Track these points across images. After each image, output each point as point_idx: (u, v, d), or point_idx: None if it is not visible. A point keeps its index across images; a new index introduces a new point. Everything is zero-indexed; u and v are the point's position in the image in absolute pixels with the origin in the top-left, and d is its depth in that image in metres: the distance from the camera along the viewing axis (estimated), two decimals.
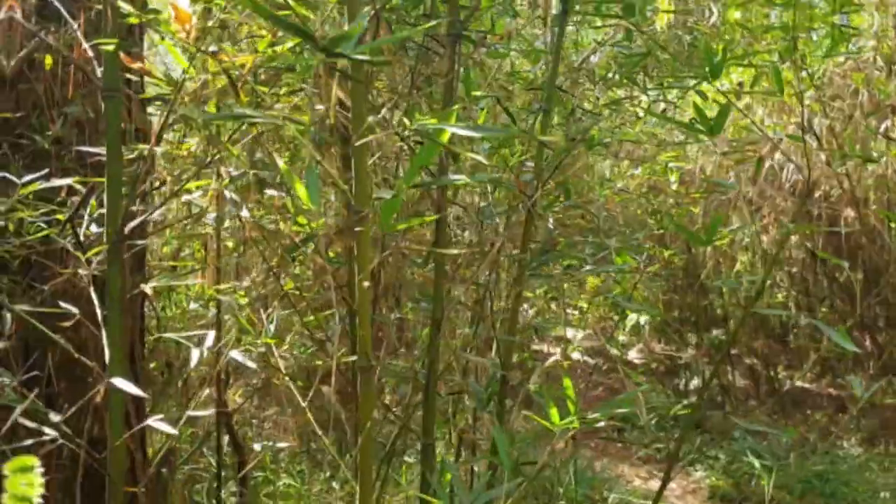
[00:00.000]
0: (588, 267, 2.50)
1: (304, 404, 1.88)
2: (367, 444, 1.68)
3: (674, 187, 6.37)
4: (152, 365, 4.43)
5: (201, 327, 4.90)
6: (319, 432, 1.86)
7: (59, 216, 2.62)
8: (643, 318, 8.95)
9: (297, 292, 2.54)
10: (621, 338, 9.20)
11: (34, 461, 0.87)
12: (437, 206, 2.18)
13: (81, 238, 2.72)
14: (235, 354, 2.10)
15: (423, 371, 2.52)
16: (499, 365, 2.45)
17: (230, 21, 1.92)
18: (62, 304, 2.72)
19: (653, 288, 7.57)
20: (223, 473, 4.60)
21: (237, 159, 2.04)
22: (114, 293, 2.03)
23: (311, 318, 2.52)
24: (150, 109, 3.70)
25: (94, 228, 2.82)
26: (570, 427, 1.64)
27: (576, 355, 6.96)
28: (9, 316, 2.87)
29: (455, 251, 2.32)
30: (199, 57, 1.92)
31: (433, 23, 2.05)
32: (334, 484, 5.91)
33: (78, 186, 2.77)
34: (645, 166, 6.09)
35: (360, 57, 1.15)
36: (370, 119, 1.56)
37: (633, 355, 9.04)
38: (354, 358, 1.99)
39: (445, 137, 1.40)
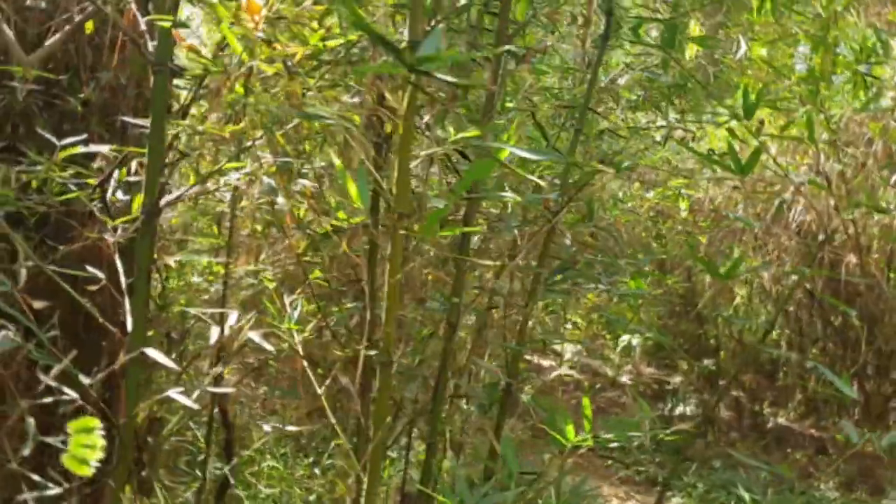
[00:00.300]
0: (602, 287, 2.55)
1: (320, 391, 1.93)
2: (382, 434, 1.72)
3: (683, 214, 6.43)
4: (150, 333, 4.45)
5: (205, 302, 4.94)
6: (333, 420, 1.90)
7: (90, 180, 2.66)
8: (635, 340, 9.01)
9: (325, 282, 2.58)
10: (612, 357, 9.25)
11: (97, 423, 0.92)
12: (466, 214, 2.23)
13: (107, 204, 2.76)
14: (254, 335, 2.14)
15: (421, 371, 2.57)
16: (505, 373, 2.50)
17: (286, 12, 1.96)
18: (87, 267, 2.76)
19: (650, 312, 7.63)
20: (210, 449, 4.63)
21: (281, 147, 2.08)
22: (142, 264, 2.07)
23: (335, 309, 2.57)
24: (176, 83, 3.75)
25: (119, 195, 2.86)
26: (584, 444, 1.69)
27: (565, 369, 7.01)
28: (23, 271, 2.90)
29: (489, 262, 2.37)
30: (249, 43, 1.96)
31: (509, 47, 2.09)
32: (316, 470, 5.95)
33: (104, 151, 2.81)
34: (657, 190, 6.14)
35: (450, 79, 1.20)
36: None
37: (623, 376, 9.10)
38: (364, 350, 2.03)
39: (504, 155, 1.45)
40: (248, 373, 5.55)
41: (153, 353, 1.87)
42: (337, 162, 1.60)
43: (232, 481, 5.26)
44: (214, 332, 2.13)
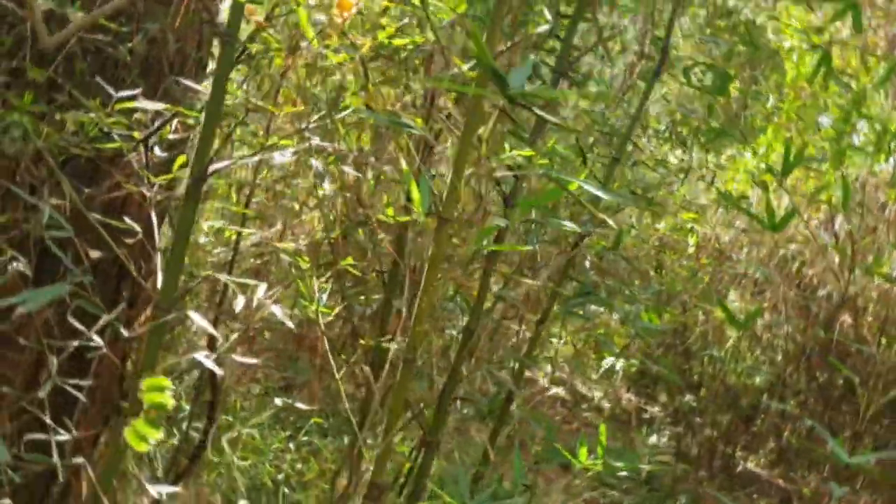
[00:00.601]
0: (617, 314, 2.60)
1: (338, 376, 1.98)
2: (395, 424, 1.77)
3: (690, 249, 6.49)
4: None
5: (211, 264, 4.98)
6: (347, 405, 1.95)
7: (136, 133, 2.70)
8: (619, 364, 9.05)
9: (356, 271, 2.64)
10: (593, 377, 9.29)
11: (167, 382, 0.96)
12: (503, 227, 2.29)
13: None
14: (276, 310, 2.19)
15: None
16: (510, 382, 2.56)
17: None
18: (109, 216, 2.80)
19: (641, 341, 7.68)
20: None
21: (338, 134, 2.14)
22: (183, 228, 2.12)
23: (362, 298, 2.62)
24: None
25: (157, 151, 2.90)
26: (593, 468, 1.75)
27: (557, 389, 7.06)
28: (46, 209, 2.94)
29: (529, 280, 2.42)
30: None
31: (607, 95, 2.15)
32: (291, 445, 5.99)
33: (158, 108, 2.84)
34: (668, 221, 6.20)
35: (548, 117, 1.25)
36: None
37: (603, 399, 9.14)
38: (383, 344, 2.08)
39: (573, 187, 1.50)
40: (245, 340, 5.59)
41: (195, 317, 1.92)
42: (404, 167, 1.65)
43: (208, 446, 5.28)
44: (240, 301, 2.17)
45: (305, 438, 6.03)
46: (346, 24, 1.80)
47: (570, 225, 1.96)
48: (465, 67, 1.67)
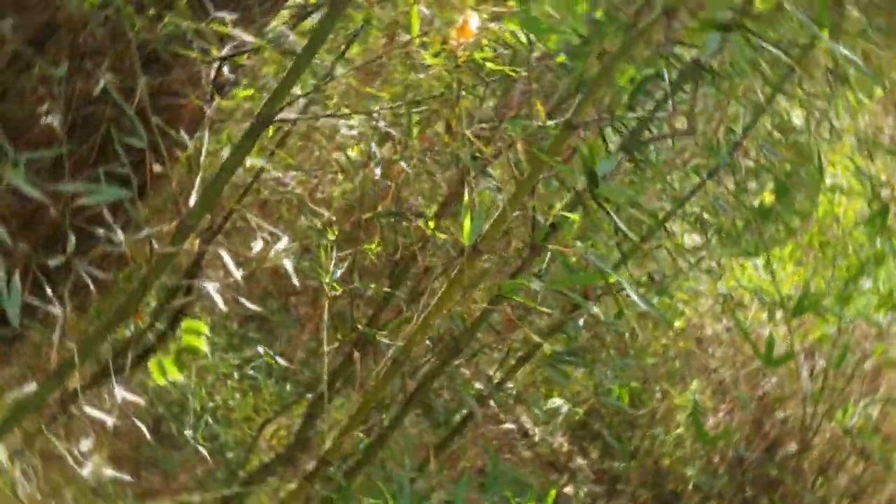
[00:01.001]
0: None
1: (327, 349, 2.05)
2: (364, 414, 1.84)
3: (671, 332, 6.57)
4: None
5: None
6: (325, 378, 2.02)
7: (214, 49, 2.74)
8: (565, 407, 9.10)
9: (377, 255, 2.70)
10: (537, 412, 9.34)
11: (204, 327, 1.02)
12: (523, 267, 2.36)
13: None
14: (288, 264, 2.24)
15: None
16: (475, 405, 2.63)
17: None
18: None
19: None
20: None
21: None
22: (232, 161, 2.17)
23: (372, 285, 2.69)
24: None
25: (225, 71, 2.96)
26: None
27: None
28: (102, 81, 2.98)
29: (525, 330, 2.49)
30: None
31: None
32: (236, 374, 6.04)
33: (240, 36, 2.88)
34: (662, 299, 6.26)
35: (612, 215, 1.31)
36: None
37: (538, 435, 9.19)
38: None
39: (612, 279, 1.57)
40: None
41: (224, 256, 1.98)
42: (466, 198, 1.70)
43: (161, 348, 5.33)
44: (257, 245, 2.23)
45: (252, 372, 6.07)
46: (458, 49, 1.86)
47: (596, 309, 2.03)
48: (548, 122, 1.72)
